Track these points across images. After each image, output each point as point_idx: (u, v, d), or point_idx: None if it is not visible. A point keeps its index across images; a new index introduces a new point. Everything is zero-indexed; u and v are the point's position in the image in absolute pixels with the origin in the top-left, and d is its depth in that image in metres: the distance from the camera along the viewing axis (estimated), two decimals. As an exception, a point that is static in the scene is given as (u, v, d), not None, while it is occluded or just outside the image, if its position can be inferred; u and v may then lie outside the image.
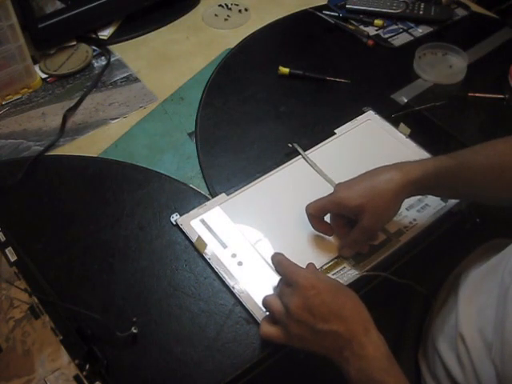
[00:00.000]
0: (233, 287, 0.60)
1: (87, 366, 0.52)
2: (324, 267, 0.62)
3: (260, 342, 0.57)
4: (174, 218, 0.67)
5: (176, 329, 0.58)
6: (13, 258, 0.61)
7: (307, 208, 0.63)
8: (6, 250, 0.62)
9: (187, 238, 0.65)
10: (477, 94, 0.83)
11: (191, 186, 0.72)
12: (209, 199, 0.69)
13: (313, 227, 0.64)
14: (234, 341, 0.57)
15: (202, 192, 0.71)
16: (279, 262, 0.56)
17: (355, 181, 0.61)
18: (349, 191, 0.60)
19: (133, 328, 0.56)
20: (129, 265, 0.63)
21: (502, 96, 0.82)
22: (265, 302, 0.56)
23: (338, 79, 0.86)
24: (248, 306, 0.59)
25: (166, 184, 0.72)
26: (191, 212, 0.67)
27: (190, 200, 0.70)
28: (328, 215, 0.64)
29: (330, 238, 0.65)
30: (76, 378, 0.52)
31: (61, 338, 0.54)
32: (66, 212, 0.68)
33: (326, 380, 0.71)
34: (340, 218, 0.63)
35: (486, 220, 0.70)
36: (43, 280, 0.60)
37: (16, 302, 0.57)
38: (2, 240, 0.63)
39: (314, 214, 0.63)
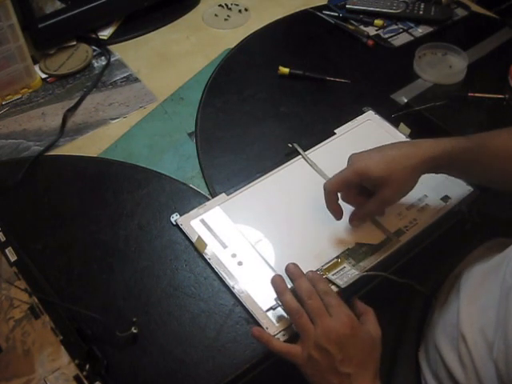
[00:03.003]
0: (233, 287, 0.60)
1: (87, 366, 0.52)
2: (324, 267, 0.62)
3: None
4: (174, 218, 0.67)
5: (176, 329, 0.58)
6: (13, 258, 0.61)
7: (326, 185, 0.62)
8: (6, 250, 0.62)
9: (187, 238, 0.65)
10: (477, 94, 0.83)
11: (191, 185, 0.72)
12: (209, 199, 0.69)
13: (327, 206, 0.63)
14: (233, 341, 0.57)
15: (202, 192, 0.71)
16: (326, 291, 0.56)
17: (374, 152, 0.61)
18: (371, 161, 0.60)
19: (133, 328, 0.56)
20: (129, 265, 0.63)
21: (501, 96, 0.82)
22: (293, 310, 0.55)
23: (337, 79, 0.86)
24: (248, 305, 0.59)
25: (166, 184, 0.72)
26: (191, 212, 0.67)
27: (189, 200, 0.70)
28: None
29: (330, 238, 0.65)
30: (76, 378, 0.52)
31: (61, 338, 0.54)
32: (66, 212, 0.68)
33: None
34: (352, 190, 0.63)
35: (486, 220, 0.70)
36: (43, 280, 0.60)
37: (16, 302, 0.57)
38: (2, 240, 0.63)
39: (334, 189, 0.62)
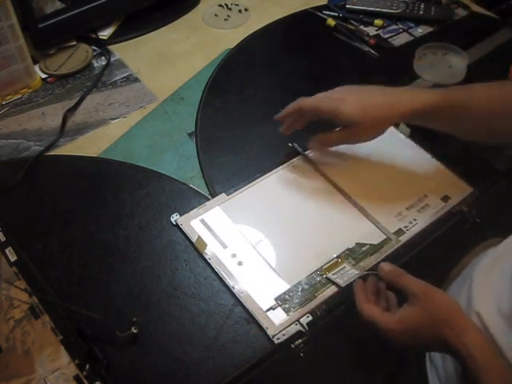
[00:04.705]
0: (233, 287, 0.60)
1: (87, 366, 0.52)
2: (324, 267, 0.62)
3: (260, 342, 0.57)
4: (174, 218, 0.67)
5: (176, 329, 0.58)
6: (13, 258, 0.61)
7: (302, 102, 0.66)
8: (6, 250, 0.62)
9: (187, 238, 0.65)
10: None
11: (191, 185, 0.72)
12: (209, 199, 0.69)
13: (285, 111, 0.69)
14: (233, 341, 0.57)
15: (202, 192, 0.71)
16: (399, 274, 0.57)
17: (358, 96, 0.64)
18: (352, 107, 0.63)
19: (133, 328, 0.56)
20: (129, 265, 0.63)
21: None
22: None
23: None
24: (248, 305, 0.59)
25: (166, 184, 0.72)
26: (191, 212, 0.67)
27: (189, 200, 0.70)
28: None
29: (330, 238, 0.65)
30: (76, 378, 0.52)
31: (61, 338, 0.54)
32: (66, 212, 0.68)
33: (326, 380, 0.71)
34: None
35: (486, 220, 0.70)
36: (43, 280, 0.60)
37: (16, 302, 0.57)
38: (2, 240, 0.63)
39: (304, 111, 0.67)
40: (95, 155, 0.76)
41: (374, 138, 0.67)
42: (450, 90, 0.64)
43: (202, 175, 0.73)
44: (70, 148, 0.77)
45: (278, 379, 0.65)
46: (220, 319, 0.58)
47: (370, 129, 0.64)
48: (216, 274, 0.62)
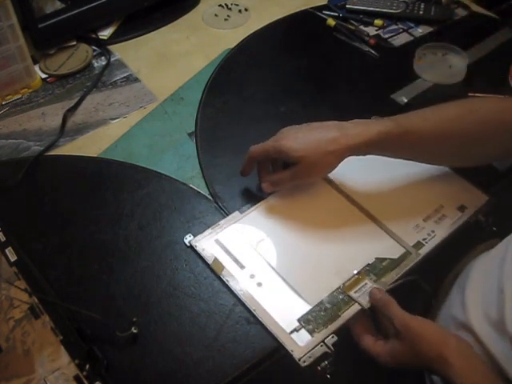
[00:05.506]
0: (254, 310, 0.58)
1: (87, 366, 0.52)
2: (345, 284, 0.60)
3: (260, 342, 0.57)
4: (188, 239, 0.64)
5: (176, 329, 0.58)
6: (13, 258, 0.61)
7: (252, 150, 0.66)
8: (6, 250, 0.62)
9: (203, 260, 0.63)
10: (477, 94, 0.83)
11: (191, 185, 0.72)
12: (209, 199, 0.69)
13: (243, 167, 0.68)
14: (233, 341, 0.57)
15: (202, 192, 0.71)
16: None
17: (301, 132, 0.64)
18: (294, 142, 0.63)
19: (133, 328, 0.56)
20: (129, 265, 0.63)
21: (501, 96, 0.82)
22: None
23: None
24: (271, 328, 0.57)
25: (166, 184, 0.72)
26: (205, 232, 0.65)
27: (190, 200, 0.70)
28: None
29: (349, 254, 0.63)
30: (76, 378, 0.52)
31: (61, 338, 0.54)
32: (66, 212, 0.68)
33: (326, 380, 0.71)
34: (269, 164, 0.68)
35: (503, 229, 0.69)
36: (43, 280, 0.60)
37: (16, 302, 0.57)
38: (2, 240, 0.63)
39: (256, 157, 0.66)
40: (95, 155, 0.76)
41: (324, 174, 0.67)
42: (402, 117, 0.63)
43: (202, 175, 0.73)
44: (70, 148, 0.77)
45: (278, 379, 0.65)
46: (220, 319, 0.58)
47: (316, 164, 0.62)
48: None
